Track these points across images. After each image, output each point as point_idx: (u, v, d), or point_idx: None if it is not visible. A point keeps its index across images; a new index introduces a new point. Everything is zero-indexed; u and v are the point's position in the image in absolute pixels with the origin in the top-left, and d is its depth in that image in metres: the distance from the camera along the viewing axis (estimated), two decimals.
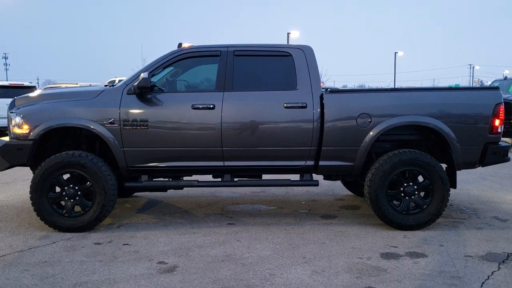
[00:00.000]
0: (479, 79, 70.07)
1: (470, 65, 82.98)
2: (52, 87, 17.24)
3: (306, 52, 5.23)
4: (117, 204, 6.07)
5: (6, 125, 5.44)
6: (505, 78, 16.19)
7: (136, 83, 4.92)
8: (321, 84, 5.44)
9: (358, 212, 5.90)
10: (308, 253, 4.32)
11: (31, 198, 4.90)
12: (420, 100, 5.11)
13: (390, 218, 4.99)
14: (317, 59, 5.25)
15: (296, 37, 37.90)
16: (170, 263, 4.07)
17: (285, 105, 5.01)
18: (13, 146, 5.03)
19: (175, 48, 5.43)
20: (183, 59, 5.22)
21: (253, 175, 5.42)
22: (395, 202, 5.08)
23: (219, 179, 5.31)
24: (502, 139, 5.41)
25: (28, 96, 5.39)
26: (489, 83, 27.59)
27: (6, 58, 76.08)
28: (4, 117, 8.22)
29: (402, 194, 5.05)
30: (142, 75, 4.90)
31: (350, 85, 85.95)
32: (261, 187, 7.16)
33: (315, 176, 5.34)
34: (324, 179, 5.72)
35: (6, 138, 5.27)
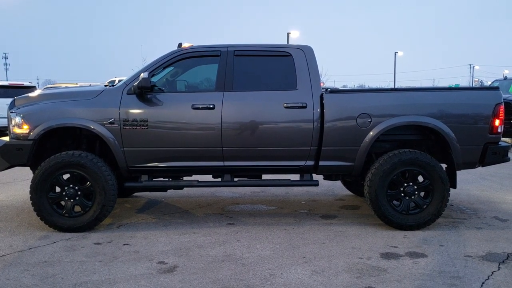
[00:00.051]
0: (479, 79, 70.14)
1: (470, 65, 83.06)
2: (52, 87, 17.24)
3: (306, 52, 5.23)
4: (117, 204, 6.07)
5: (6, 125, 5.44)
6: (505, 78, 16.20)
7: (136, 83, 4.92)
8: (321, 84, 5.44)
9: (358, 212, 5.91)
10: (308, 253, 4.32)
11: (31, 198, 4.90)
12: (420, 100, 5.11)
13: (390, 218, 4.99)
14: (317, 59, 5.25)
15: (296, 37, 37.93)
16: (170, 263, 4.07)
17: (285, 105, 5.01)
18: (13, 146, 5.03)
19: (175, 48, 5.43)
20: (183, 59, 5.22)
21: (253, 175, 5.42)
22: (395, 202, 5.08)
23: (219, 179, 5.31)
24: (502, 139, 5.41)
25: (28, 96, 5.39)
26: (489, 83, 27.60)
27: (6, 58, 76.11)
28: (4, 117, 8.22)
29: (402, 194, 5.05)
30: (142, 75, 4.90)
31: (350, 85, 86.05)
32: (261, 187, 7.16)
33: (315, 176, 5.34)
34: (324, 179, 5.72)
35: (6, 138, 5.27)
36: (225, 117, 4.99)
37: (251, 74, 5.26)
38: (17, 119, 5.04)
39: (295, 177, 5.31)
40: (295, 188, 7.27)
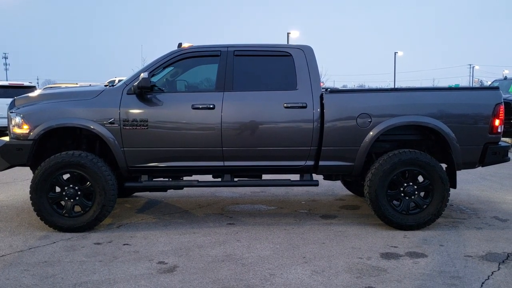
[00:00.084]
0: (479, 79, 70.12)
1: (470, 65, 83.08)
2: (52, 87, 17.25)
3: (306, 52, 5.23)
4: (117, 204, 6.07)
5: (6, 125, 5.44)
6: (505, 78, 16.20)
7: (136, 83, 4.92)
8: (321, 84, 5.44)
9: (358, 212, 5.90)
10: (308, 253, 4.32)
11: (31, 198, 4.90)
12: (420, 100, 5.11)
13: (390, 218, 4.99)
14: (317, 59, 5.25)
15: (296, 37, 37.94)
16: (170, 263, 4.07)
17: (285, 105, 5.01)
18: (13, 146, 5.03)
19: (175, 48, 5.43)
20: (183, 59, 5.22)
21: (253, 175, 5.42)
22: (395, 202, 5.08)
23: (219, 179, 5.31)
24: (502, 139, 5.41)
25: (28, 96, 5.39)
26: (489, 83, 27.60)
27: (6, 58, 76.13)
28: (4, 117, 8.22)
29: (402, 194, 5.05)
30: (142, 75, 4.90)
31: (350, 85, 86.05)
32: (261, 187, 7.16)
33: (315, 176, 5.34)
34: (324, 179, 5.72)
35: (6, 138, 5.27)
36: (225, 117, 4.99)
37: (251, 74, 5.26)
38: (17, 119, 5.04)
39: (295, 177, 5.31)
40: (295, 188, 7.27)
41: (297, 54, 5.21)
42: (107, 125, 4.97)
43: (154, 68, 5.15)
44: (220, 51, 5.21)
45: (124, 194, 6.48)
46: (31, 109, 5.07)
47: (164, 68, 5.25)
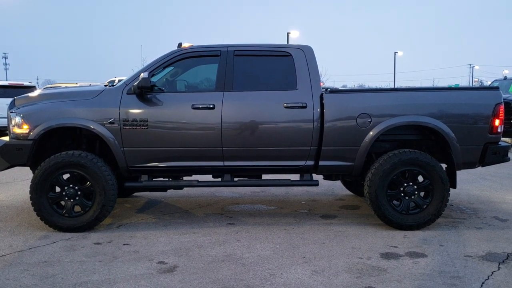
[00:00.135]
0: (478, 79, 70.12)
1: (470, 65, 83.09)
2: (51, 87, 17.24)
3: (306, 52, 5.23)
4: (117, 204, 6.07)
5: (6, 125, 5.44)
6: (505, 78, 16.19)
7: (136, 83, 4.92)
8: (321, 84, 5.44)
9: (358, 212, 5.90)
10: (308, 253, 4.32)
11: (31, 198, 4.90)
12: (420, 100, 5.11)
13: (390, 218, 4.99)
14: (317, 59, 5.25)
15: (296, 37, 37.94)
16: (170, 263, 4.07)
17: (285, 105, 5.01)
18: (13, 146, 5.02)
19: (175, 48, 5.43)
20: (183, 59, 5.22)
21: (253, 175, 5.42)
22: (395, 202, 5.08)
23: (219, 179, 5.31)
24: (502, 139, 5.41)
25: (28, 96, 5.39)
26: (489, 83, 27.60)
27: (6, 58, 76.14)
28: (4, 117, 8.22)
29: (402, 194, 5.05)
30: (142, 75, 4.90)
31: (350, 85, 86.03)
32: (261, 187, 7.16)
33: (315, 176, 5.34)
34: (324, 179, 5.72)
35: (6, 138, 5.26)
36: (225, 117, 4.99)
37: (251, 74, 5.25)
38: (17, 119, 5.04)
39: (295, 177, 5.31)
40: (295, 188, 7.27)
41: (297, 54, 5.21)
42: (107, 125, 4.97)
43: (154, 68, 5.15)
44: (220, 51, 5.21)
45: (124, 194, 6.48)
46: (31, 109, 5.07)
47: (164, 68, 5.25)
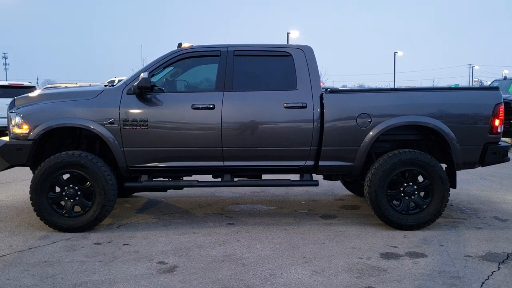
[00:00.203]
0: (478, 79, 70.09)
1: (470, 65, 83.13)
2: (51, 87, 17.25)
3: (306, 52, 5.23)
4: (117, 204, 6.07)
5: (6, 125, 5.44)
6: (505, 78, 16.19)
7: (136, 83, 4.92)
8: (321, 84, 5.44)
9: (358, 212, 5.91)
10: (308, 253, 4.32)
11: (31, 198, 4.90)
12: (420, 100, 5.11)
13: (390, 218, 4.99)
14: (317, 59, 5.25)
15: (296, 37, 37.96)
16: (170, 263, 4.07)
17: (285, 105, 5.01)
18: (13, 146, 5.02)
19: (175, 48, 5.43)
20: (183, 59, 5.22)
21: (253, 175, 5.41)
22: (395, 202, 5.08)
23: (219, 179, 5.31)
24: (502, 139, 5.41)
25: (28, 96, 5.39)
26: (489, 83, 27.60)
27: (5, 58, 76.15)
28: (4, 117, 8.21)
29: (402, 194, 5.05)
30: (142, 75, 4.90)
31: (350, 85, 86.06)
32: (261, 187, 7.16)
33: (315, 176, 5.34)
34: (324, 179, 5.72)
35: (6, 138, 5.26)
36: (225, 117, 4.99)
37: (251, 74, 5.25)
38: (17, 119, 5.04)
39: (295, 177, 5.31)
40: (295, 188, 7.27)
41: (297, 54, 5.21)
42: (107, 125, 4.97)
43: (154, 68, 5.15)
44: (220, 51, 5.21)
45: (124, 194, 6.48)
46: (31, 109, 5.07)
47: (164, 68, 5.25)
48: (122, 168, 5.09)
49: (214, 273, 3.83)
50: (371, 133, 5.00)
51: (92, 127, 4.96)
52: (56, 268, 3.94)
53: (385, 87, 32.86)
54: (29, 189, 4.93)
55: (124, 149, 5.00)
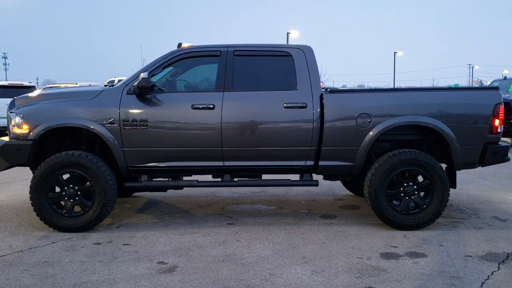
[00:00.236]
0: (478, 79, 70.11)
1: (470, 65, 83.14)
2: (51, 87, 17.25)
3: (306, 52, 5.23)
4: (117, 204, 6.07)
5: (6, 125, 5.43)
6: (505, 78, 16.19)
7: (136, 83, 4.92)
8: (321, 84, 5.44)
9: (358, 212, 5.91)
10: (308, 253, 4.32)
11: (31, 198, 4.90)
12: (419, 100, 5.11)
13: (390, 218, 4.99)
14: (317, 59, 5.25)
15: (296, 37, 37.97)
16: (170, 263, 4.07)
17: (285, 105, 5.01)
18: (12, 146, 5.02)
19: (175, 48, 5.43)
20: (183, 59, 5.22)
21: (253, 175, 5.41)
22: (394, 202, 5.08)
23: (219, 179, 5.31)
24: (502, 139, 5.41)
25: (27, 96, 5.39)
26: (489, 83, 27.60)
27: (5, 58, 76.16)
28: (4, 117, 8.21)
29: (402, 194, 5.05)
30: (141, 75, 4.90)
31: (350, 85, 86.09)
32: (261, 187, 7.16)
33: (315, 176, 5.34)
34: (324, 179, 5.72)
35: (6, 138, 5.26)
36: (225, 117, 4.99)
37: (251, 74, 5.25)
38: (17, 119, 5.04)
39: (295, 177, 5.31)
40: (295, 188, 7.27)
41: (297, 54, 5.21)
42: (107, 125, 4.97)
43: (154, 68, 5.15)
44: (220, 51, 5.21)
45: (124, 194, 6.48)
46: (30, 109, 5.07)
47: (164, 68, 5.25)
48: (122, 168, 5.09)
49: (214, 273, 3.83)
50: (371, 133, 5.00)
51: (92, 127, 4.96)
52: (56, 268, 3.94)
53: (385, 87, 32.89)
54: (29, 189, 4.93)
55: (124, 149, 5.00)
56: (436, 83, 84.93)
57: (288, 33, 37.08)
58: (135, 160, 5.05)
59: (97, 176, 4.88)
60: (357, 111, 5.02)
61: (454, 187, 5.27)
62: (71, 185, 4.97)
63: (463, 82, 78.37)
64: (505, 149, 5.26)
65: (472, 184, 7.58)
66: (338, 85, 55.24)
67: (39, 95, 5.34)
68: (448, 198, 5.04)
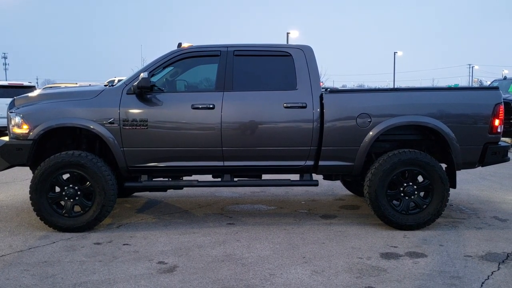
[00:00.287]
0: (478, 79, 70.11)
1: (470, 65, 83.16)
2: (51, 87, 17.24)
3: (306, 52, 5.23)
4: (117, 204, 6.07)
5: (6, 125, 5.43)
6: (505, 78, 16.19)
7: (136, 83, 4.92)
8: (321, 84, 5.44)
9: (358, 212, 5.91)
10: (308, 253, 4.32)
11: (31, 198, 4.90)
12: (419, 100, 5.11)
13: (390, 218, 4.99)
14: (317, 59, 5.25)
15: (296, 37, 37.95)
16: (170, 263, 4.07)
17: (285, 105, 5.01)
18: (12, 146, 5.02)
19: (175, 48, 5.43)
20: (183, 59, 5.22)
21: (253, 175, 5.41)
22: (394, 202, 5.08)
23: (219, 179, 5.31)
24: (502, 139, 5.41)
25: (27, 96, 5.39)
26: (489, 83, 27.61)
27: (5, 58, 76.17)
28: (4, 117, 8.21)
29: (402, 194, 5.05)
30: (141, 75, 4.90)
31: (350, 85, 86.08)
32: (261, 187, 7.16)
33: (315, 176, 5.34)
34: (323, 179, 5.72)
35: (6, 138, 5.26)
36: (225, 117, 4.99)
37: (251, 74, 5.25)
38: (17, 119, 5.04)
39: (295, 177, 5.31)
40: (295, 188, 7.27)
41: (297, 54, 5.21)
42: (106, 125, 4.97)
43: (154, 68, 5.15)
44: (220, 51, 5.21)
45: (124, 194, 6.48)
46: (30, 109, 5.07)
47: (164, 68, 5.25)
48: (122, 168, 5.09)
49: (214, 273, 3.83)
50: (371, 133, 5.00)
51: (92, 127, 4.96)
52: (56, 268, 3.94)
53: (385, 87, 32.90)
54: (29, 189, 4.93)
55: (124, 149, 5.00)
56: (436, 83, 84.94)
57: (288, 33, 37.08)
58: (135, 160, 5.05)
59: (97, 176, 4.88)
60: (357, 111, 5.02)
61: (454, 187, 5.27)
62: (71, 185, 4.97)
63: (463, 82, 78.43)
64: (505, 149, 5.26)
65: (472, 184, 7.58)
66: (338, 85, 55.23)
67: (39, 95, 5.34)
68: (448, 198, 5.04)
